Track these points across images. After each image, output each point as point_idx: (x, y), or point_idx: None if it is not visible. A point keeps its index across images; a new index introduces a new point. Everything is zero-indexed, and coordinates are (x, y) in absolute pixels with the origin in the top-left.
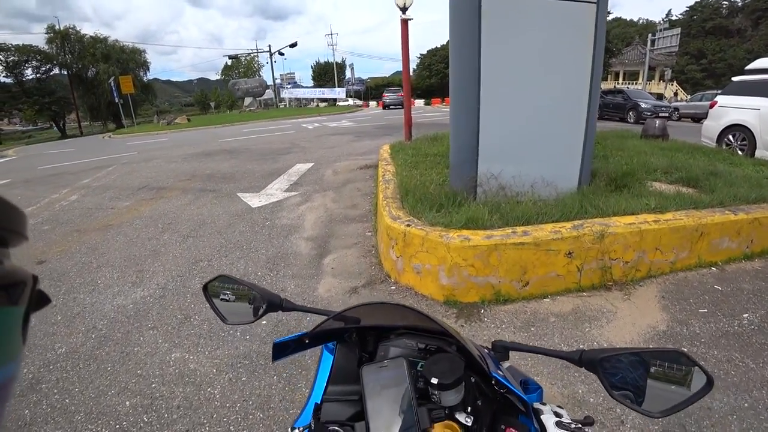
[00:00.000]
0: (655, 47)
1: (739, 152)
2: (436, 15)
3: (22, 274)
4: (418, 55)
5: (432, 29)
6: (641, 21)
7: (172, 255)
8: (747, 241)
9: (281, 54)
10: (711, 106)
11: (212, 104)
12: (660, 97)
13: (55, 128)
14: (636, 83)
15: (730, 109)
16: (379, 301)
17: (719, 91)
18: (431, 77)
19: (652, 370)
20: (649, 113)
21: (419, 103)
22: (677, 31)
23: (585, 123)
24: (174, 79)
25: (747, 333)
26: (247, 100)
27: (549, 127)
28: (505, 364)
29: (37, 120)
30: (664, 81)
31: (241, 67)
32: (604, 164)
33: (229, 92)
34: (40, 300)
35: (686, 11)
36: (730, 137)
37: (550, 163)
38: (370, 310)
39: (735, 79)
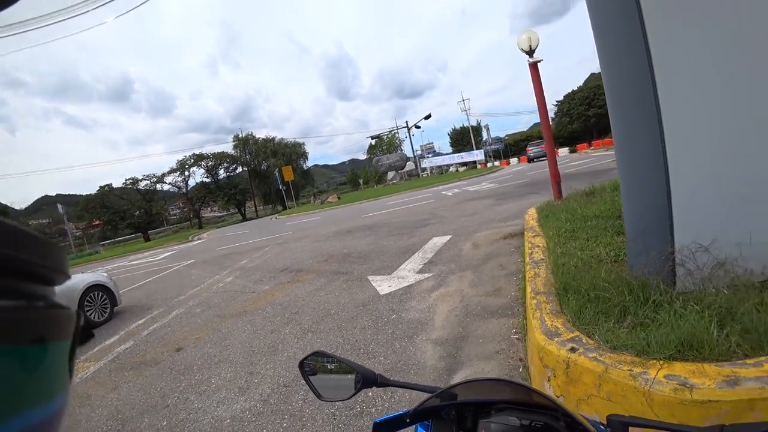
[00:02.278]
0: None
1: None
2: (567, 59)
3: (67, 310)
4: (555, 103)
5: (566, 73)
6: None
7: (286, 355)
8: None
9: (418, 127)
10: None
11: (361, 181)
12: None
13: (238, 213)
14: None
15: None
16: (479, 377)
17: None
18: (572, 122)
19: None
20: None
21: (563, 151)
22: None
23: None
24: (330, 163)
25: None
26: (390, 174)
27: None
28: None
29: (228, 207)
30: None
31: (383, 144)
32: None
33: (375, 168)
34: (85, 335)
35: None
36: None
37: None
38: (471, 386)
39: None
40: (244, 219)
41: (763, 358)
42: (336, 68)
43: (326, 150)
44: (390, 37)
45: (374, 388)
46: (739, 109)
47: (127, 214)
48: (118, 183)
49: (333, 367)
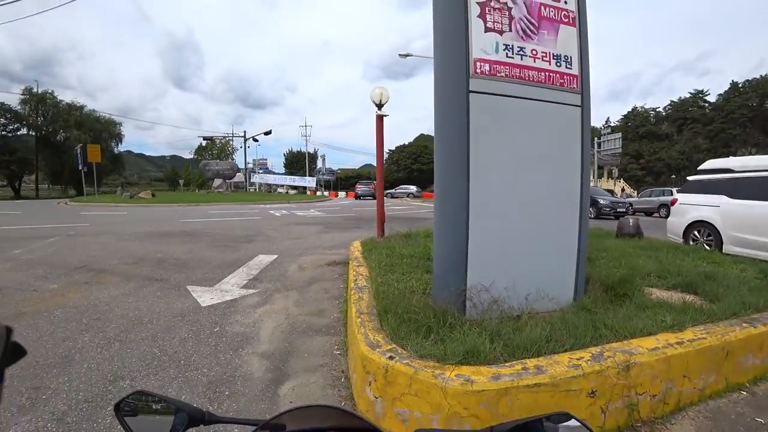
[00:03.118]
0: (601, 149)
1: (707, 247)
2: (405, 114)
3: None
4: (387, 151)
5: (401, 127)
6: None
7: (87, 365)
8: None
9: (255, 140)
10: (672, 204)
11: (181, 182)
12: (611, 192)
13: (9, 187)
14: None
15: (691, 206)
16: (308, 404)
17: (665, 188)
18: (399, 171)
19: None
20: (608, 209)
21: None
22: (618, 135)
23: (579, 224)
24: (147, 153)
25: None
26: (217, 182)
27: (543, 229)
28: None
29: None
30: (612, 178)
31: (215, 149)
32: (593, 269)
33: (200, 172)
34: (15, 352)
35: (621, 118)
36: (696, 233)
37: (546, 271)
38: (297, 414)
39: (691, 178)
40: (18, 197)
41: (514, 362)
42: (179, 52)
43: (146, 137)
44: (247, 42)
45: (201, 426)
46: (507, 198)
47: None
48: None
49: (155, 407)
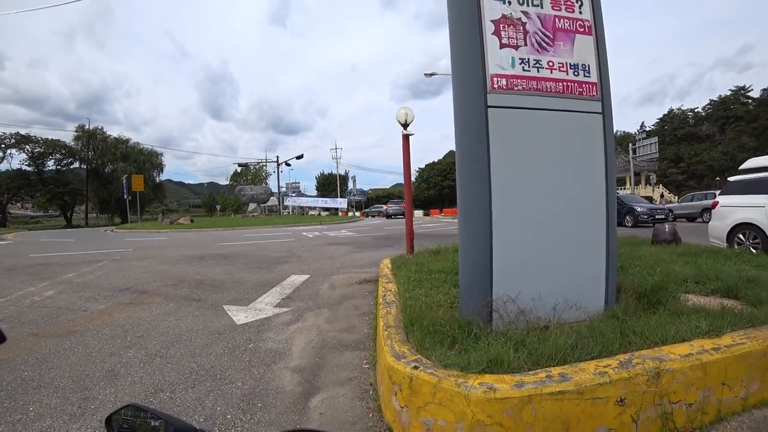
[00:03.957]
0: (637, 155)
1: (753, 250)
2: (433, 133)
3: None
4: (417, 169)
5: (430, 145)
6: (618, 133)
7: (131, 379)
8: None
9: (288, 165)
10: (713, 207)
11: (218, 207)
12: (649, 199)
13: (62, 217)
14: (624, 188)
15: (734, 208)
16: (299, 428)
17: (709, 191)
18: (429, 189)
19: None
20: (646, 216)
21: (418, 213)
22: (654, 139)
23: (606, 231)
24: (187, 182)
25: None
26: (252, 206)
27: (569, 239)
28: None
29: (48, 207)
30: (650, 184)
31: (249, 174)
32: (626, 277)
33: (236, 197)
34: None
35: (657, 122)
36: (741, 236)
37: (573, 280)
38: None
39: (732, 179)
40: (69, 225)
41: (538, 370)
42: (215, 84)
43: (185, 166)
44: (278, 70)
45: None
46: (531, 209)
47: None
48: None
49: (146, 422)
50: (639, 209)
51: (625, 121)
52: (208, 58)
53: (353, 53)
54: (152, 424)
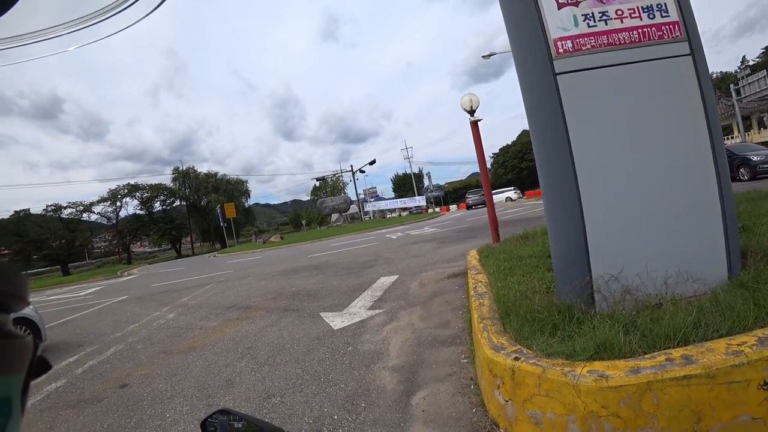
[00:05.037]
0: (742, 96)
1: None
2: (502, 115)
3: (21, 339)
4: (491, 155)
5: (501, 128)
6: (715, 75)
7: (245, 386)
8: None
9: (362, 172)
10: None
11: (303, 222)
12: (767, 145)
13: (173, 249)
14: (732, 137)
15: None
16: None
17: None
18: (507, 173)
19: None
20: (766, 165)
21: (500, 198)
22: (763, 73)
23: (718, 189)
24: (272, 203)
25: None
26: (334, 216)
27: (672, 203)
28: None
29: (161, 243)
30: (765, 127)
31: (327, 187)
32: (751, 238)
33: (318, 210)
34: (41, 367)
35: (763, 52)
36: None
37: (685, 249)
38: None
39: None
40: (179, 256)
41: (655, 353)
42: (283, 108)
43: (268, 189)
44: (338, 83)
45: None
46: (622, 176)
47: (45, 243)
48: (36, 209)
49: (238, 426)
50: (755, 158)
51: (720, 59)
52: (273, 86)
53: (407, 51)
54: (243, 427)
